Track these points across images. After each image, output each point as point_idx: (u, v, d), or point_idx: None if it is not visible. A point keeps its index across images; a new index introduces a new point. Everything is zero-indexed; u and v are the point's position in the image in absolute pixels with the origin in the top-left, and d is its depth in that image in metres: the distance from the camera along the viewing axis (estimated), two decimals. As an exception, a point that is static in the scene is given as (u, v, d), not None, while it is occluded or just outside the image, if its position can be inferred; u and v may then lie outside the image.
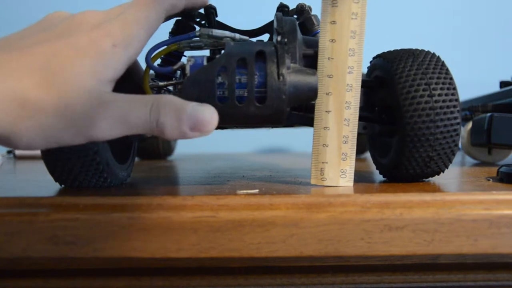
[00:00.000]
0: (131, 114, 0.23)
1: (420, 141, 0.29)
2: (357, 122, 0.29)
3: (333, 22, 0.28)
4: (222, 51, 0.28)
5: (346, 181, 0.29)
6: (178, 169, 0.47)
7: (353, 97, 0.29)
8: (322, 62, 0.28)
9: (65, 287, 0.27)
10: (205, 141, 0.78)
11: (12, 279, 0.27)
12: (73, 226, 0.24)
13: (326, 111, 0.28)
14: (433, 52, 0.31)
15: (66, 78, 0.23)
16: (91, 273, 0.27)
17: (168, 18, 0.29)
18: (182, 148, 0.70)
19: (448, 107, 0.29)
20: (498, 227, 0.25)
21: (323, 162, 0.29)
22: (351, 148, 0.29)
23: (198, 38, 0.29)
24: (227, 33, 0.29)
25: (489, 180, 0.32)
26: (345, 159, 0.29)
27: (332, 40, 0.28)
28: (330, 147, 0.29)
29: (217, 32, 0.29)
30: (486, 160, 0.47)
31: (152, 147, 0.61)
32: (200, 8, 0.31)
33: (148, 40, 0.26)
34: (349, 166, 0.29)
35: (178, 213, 0.24)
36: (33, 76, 0.22)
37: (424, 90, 0.28)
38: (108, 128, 0.23)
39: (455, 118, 0.29)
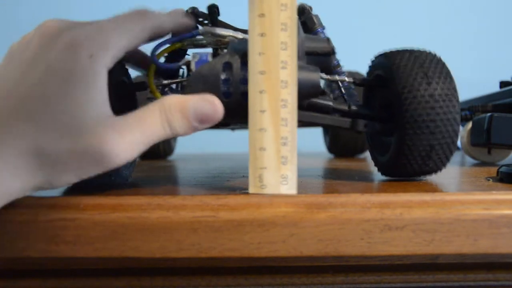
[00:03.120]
0: (147, 132, 0.24)
1: (420, 128, 0.29)
2: (296, 122, 0.26)
3: (262, 15, 0.26)
4: (225, 50, 0.28)
5: (287, 188, 0.26)
6: (178, 169, 0.47)
7: (289, 95, 0.26)
8: (252, 57, 0.26)
9: (65, 287, 0.27)
10: (205, 141, 0.78)
11: (12, 279, 0.27)
12: (73, 226, 0.24)
13: (261, 111, 0.26)
14: (434, 53, 0.31)
15: (71, 119, 0.23)
16: (91, 273, 0.27)
17: (154, 38, 0.28)
18: (182, 148, 0.70)
19: (450, 100, 0.29)
20: (498, 227, 0.25)
21: (261, 168, 0.26)
22: (291, 151, 0.26)
23: (201, 37, 0.30)
24: (230, 31, 0.29)
25: (489, 180, 0.32)
26: (285, 163, 0.26)
27: (262, 34, 0.26)
28: (268, 150, 0.26)
29: (220, 30, 0.29)
30: (486, 160, 0.47)
31: (152, 147, 0.61)
32: (187, 31, 0.30)
33: (130, 49, 0.26)
34: (290, 171, 0.26)
35: (178, 213, 0.24)
36: (40, 129, 0.23)
37: (424, 83, 0.29)
38: (128, 154, 0.24)
39: (455, 110, 0.29)
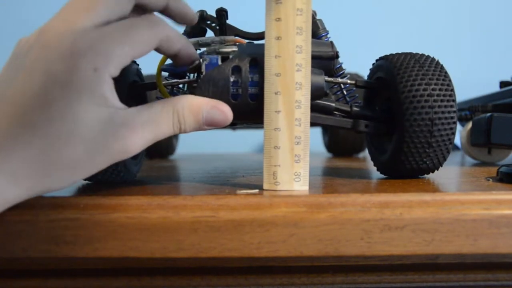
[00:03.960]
0: (157, 131, 0.25)
1: (419, 125, 0.30)
2: (309, 122, 0.28)
3: (278, 19, 0.27)
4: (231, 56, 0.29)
5: (300, 185, 0.28)
6: (179, 169, 0.47)
7: (303, 96, 0.27)
8: (269, 60, 0.27)
9: (65, 287, 0.27)
10: (205, 141, 0.78)
11: (12, 279, 0.27)
12: (73, 226, 0.24)
13: (276, 111, 0.27)
14: (433, 57, 0.33)
15: (77, 129, 0.23)
16: (91, 273, 0.27)
17: (161, 49, 0.27)
18: (183, 147, 0.71)
19: (448, 100, 0.30)
20: (498, 227, 0.25)
21: (275, 165, 0.27)
22: (304, 149, 0.27)
23: (205, 37, 0.31)
24: (216, 38, 0.31)
25: (489, 180, 0.32)
26: (298, 161, 0.27)
27: (278, 38, 0.27)
28: (282, 149, 0.27)
29: (204, 39, 0.31)
30: (486, 160, 0.47)
31: (154, 147, 0.61)
32: (192, 63, 0.30)
33: (137, 57, 0.25)
34: (303, 169, 0.28)
35: (178, 213, 0.24)
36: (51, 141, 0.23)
37: (424, 84, 0.30)
38: (137, 148, 0.25)
39: (452, 110, 0.30)
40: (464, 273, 0.27)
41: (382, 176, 0.35)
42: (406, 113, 0.30)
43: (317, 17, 0.35)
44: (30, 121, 0.23)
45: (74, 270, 0.27)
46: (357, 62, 0.50)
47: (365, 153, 0.64)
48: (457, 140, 0.64)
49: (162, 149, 0.62)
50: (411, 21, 0.83)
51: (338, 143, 0.63)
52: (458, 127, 0.55)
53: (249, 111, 0.29)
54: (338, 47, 0.32)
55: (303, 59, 0.27)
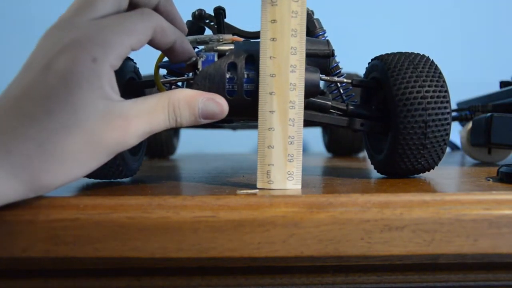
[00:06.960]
0: (153, 124, 0.25)
1: (413, 128, 0.30)
2: (302, 122, 0.28)
3: (274, 21, 0.27)
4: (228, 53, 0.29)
5: (293, 184, 0.28)
6: (179, 169, 0.47)
7: (297, 96, 0.28)
8: (264, 61, 0.28)
9: (65, 287, 0.27)
10: (205, 141, 0.78)
11: (12, 279, 0.27)
12: (73, 226, 0.24)
13: (270, 111, 0.28)
14: (427, 56, 0.33)
15: (76, 121, 0.23)
16: (91, 273, 0.27)
17: (156, 41, 0.27)
18: (183, 148, 0.71)
19: (441, 102, 0.30)
20: (498, 227, 0.25)
21: (269, 165, 0.28)
22: (297, 149, 0.28)
23: (203, 35, 0.31)
24: (213, 36, 0.31)
25: (489, 180, 0.32)
26: (291, 160, 0.28)
27: (273, 39, 0.27)
28: (276, 148, 0.28)
29: (201, 37, 0.31)
30: (486, 160, 0.47)
31: (155, 146, 0.61)
32: (188, 59, 0.30)
33: (135, 48, 0.25)
34: (296, 168, 0.28)
35: (178, 213, 0.24)
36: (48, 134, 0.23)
37: (417, 86, 0.30)
38: (135, 137, 0.25)
39: (446, 111, 0.30)
40: (464, 273, 0.27)
41: (381, 176, 0.35)
42: (400, 115, 0.30)
43: (315, 17, 0.35)
44: (29, 113, 0.23)
45: (74, 270, 0.27)
46: (357, 62, 0.50)
47: (365, 153, 0.64)
48: (457, 140, 0.64)
49: (162, 149, 0.62)
50: (411, 21, 0.83)
51: (338, 143, 0.63)
52: (458, 127, 0.55)
53: (245, 108, 0.29)
54: (337, 48, 0.32)
55: (298, 61, 0.28)
